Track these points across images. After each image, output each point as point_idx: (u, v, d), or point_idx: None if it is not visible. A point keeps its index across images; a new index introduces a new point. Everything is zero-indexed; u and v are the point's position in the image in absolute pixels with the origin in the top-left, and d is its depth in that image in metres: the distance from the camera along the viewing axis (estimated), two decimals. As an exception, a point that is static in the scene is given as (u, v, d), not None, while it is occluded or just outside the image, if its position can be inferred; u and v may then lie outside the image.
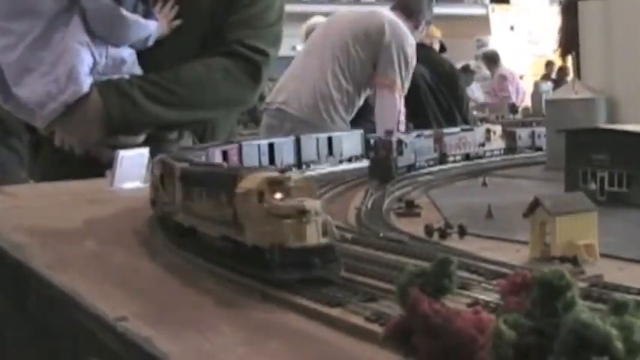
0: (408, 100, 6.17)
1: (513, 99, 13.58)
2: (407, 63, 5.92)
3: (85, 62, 3.24)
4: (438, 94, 7.34)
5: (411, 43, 5.93)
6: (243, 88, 3.55)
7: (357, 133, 2.98)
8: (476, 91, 13.75)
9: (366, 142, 2.91)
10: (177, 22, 3.50)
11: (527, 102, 13.16)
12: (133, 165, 2.83)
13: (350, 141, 2.98)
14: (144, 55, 3.48)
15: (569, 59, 3.67)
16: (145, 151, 2.89)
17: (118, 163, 2.80)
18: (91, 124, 3.30)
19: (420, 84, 7.05)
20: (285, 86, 6.02)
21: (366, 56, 5.88)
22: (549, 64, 15.35)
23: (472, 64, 14.46)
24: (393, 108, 5.92)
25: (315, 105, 5.84)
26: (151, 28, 3.39)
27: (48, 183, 3.44)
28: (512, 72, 14.73)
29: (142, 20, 3.34)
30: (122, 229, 2.01)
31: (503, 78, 14.34)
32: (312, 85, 5.88)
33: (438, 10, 17.81)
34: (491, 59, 14.76)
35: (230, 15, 3.53)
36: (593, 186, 1.98)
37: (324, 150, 2.83)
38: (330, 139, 2.85)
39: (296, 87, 5.94)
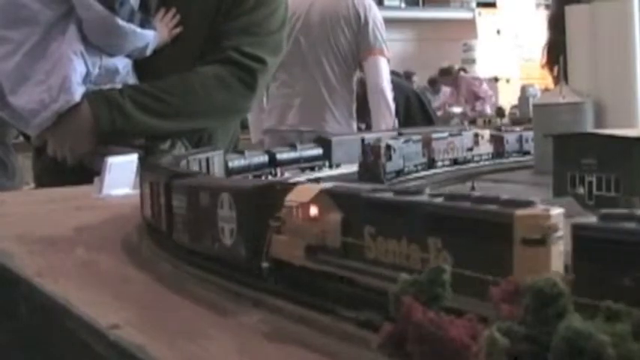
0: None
1: (488, 107, 13.54)
2: (383, 29, 6.10)
3: (77, 72, 3.24)
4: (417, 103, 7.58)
5: (376, 9, 6.17)
6: (238, 96, 3.53)
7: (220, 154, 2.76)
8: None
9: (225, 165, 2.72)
10: (178, 30, 3.50)
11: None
12: (121, 172, 2.83)
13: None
14: (142, 63, 3.48)
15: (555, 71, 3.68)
16: (134, 158, 2.89)
17: (107, 170, 2.80)
18: (81, 134, 3.30)
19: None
20: (288, 104, 5.96)
21: (352, 40, 5.95)
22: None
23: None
24: (386, 71, 6.12)
25: (336, 116, 5.86)
26: (148, 37, 3.39)
27: (35, 190, 3.44)
28: (475, 81, 14.57)
29: (138, 30, 3.34)
30: (112, 236, 2.00)
31: (473, 93, 14.19)
32: (322, 97, 5.87)
33: (425, 13, 17.96)
34: (447, 72, 14.61)
35: (230, 21, 3.52)
36: (581, 190, 1.99)
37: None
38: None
39: (304, 104, 5.90)
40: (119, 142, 3.33)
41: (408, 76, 11.08)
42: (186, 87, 3.43)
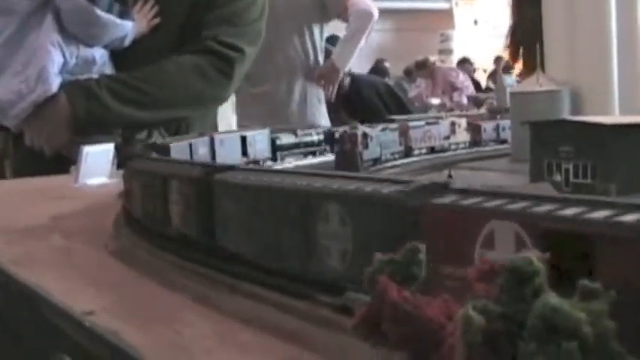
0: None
1: (465, 97, 13.57)
2: None
3: (55, 62, 3.23)
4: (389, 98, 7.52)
5: None
6: (215, 84, 3.53)
7: None
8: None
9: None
10: (156, 20, 3.49)
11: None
12: (98, 161, 2.82)
13: None
14: (121, 54, 3.48)
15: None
16: (110, 147, 2.88)
17: (83, 159, 2.79)
18: (58, 124, 3.29)
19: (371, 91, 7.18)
20: (253, 99, 5.84)
21: (321, 16, 5.79)
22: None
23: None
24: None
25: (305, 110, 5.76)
26: (127, 28, 3.39)
27: (12, 180, 3.42)
28: (452, 71, 14.57)
29: (117, 20, 3.34)
30: (88, 224, 2.00)
31: (450, 84, 14.18)
32: (289, 90, 5.76)
33: (402, 4, 18.00)
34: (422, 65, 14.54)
35: (210, 11, 3.52)
36: (558, 177, 1.99)
37: None
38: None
39: (271, 99, 5.75)
40: (96, 131, 3.31)
41: (380, 68, 11.08)
42: (164, 76, 3.43)
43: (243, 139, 2.58)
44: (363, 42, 5.90)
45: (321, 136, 2.79)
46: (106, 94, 3.31)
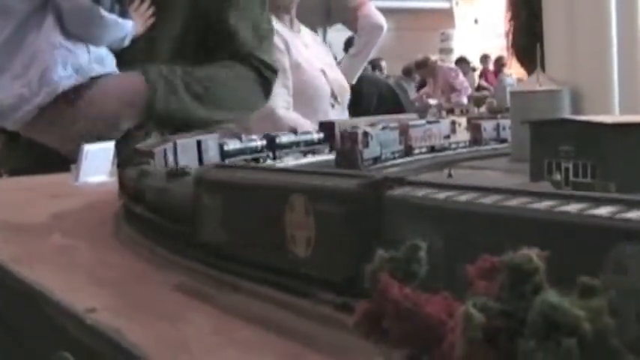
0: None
1: (464, 98, 13.60)
2: None
3: (58, 63, 3.22)
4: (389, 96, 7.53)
5: None
6: (257, 98, 3.62)
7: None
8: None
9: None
10: (152, 20, 3.50)
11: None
12: (98, 159, 2.83)
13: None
14: (116, 54, 3.48)
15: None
16: (110, 145, 2.88)
17: (84, 157, 2.80)
18: (114, 113, 3.29)
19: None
20: None
21: (325, 19, 5.80)
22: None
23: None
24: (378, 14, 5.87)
25: None
26: (128, 28, 3.39)
27: (12, 178, 3.42)
28: (452, 72, 14.58)
29: (119, 20, 3.34)
30: (89, 222, 2.00)
31: (449, 85, 14.22)
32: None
33: (403, 3, 18.00)
34: (423, 64, 14.56)
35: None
36: (558, 176, 1.99)
37: None
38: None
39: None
40: (160, 127, 3.32)
41: (374, 66, 11.09)
42: (225, 77, 3.47)
43: (199, 144, 2.57)
44: (370, 56, 5.93)
45: (264, 142, 2.76)
46: (181, 84, 3.33)
